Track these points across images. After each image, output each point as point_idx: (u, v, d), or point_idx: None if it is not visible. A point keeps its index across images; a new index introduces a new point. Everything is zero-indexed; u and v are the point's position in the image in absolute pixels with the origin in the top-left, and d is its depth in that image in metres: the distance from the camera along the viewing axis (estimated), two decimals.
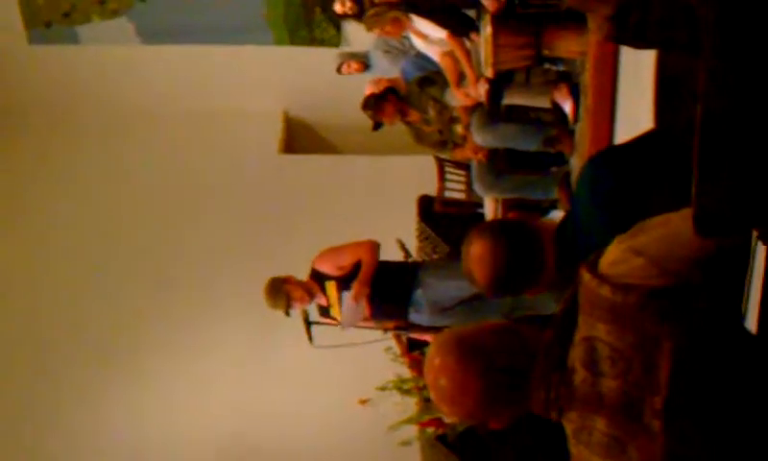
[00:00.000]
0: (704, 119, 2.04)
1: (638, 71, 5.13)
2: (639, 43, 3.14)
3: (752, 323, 2.14)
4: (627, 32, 2.91)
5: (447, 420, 7.93)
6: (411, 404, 9.19)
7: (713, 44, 2.02)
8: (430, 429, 8.75)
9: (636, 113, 4.50)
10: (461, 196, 9.71)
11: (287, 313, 7.34)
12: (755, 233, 2.09)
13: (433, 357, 2.58)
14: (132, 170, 11.61)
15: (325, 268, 7.35)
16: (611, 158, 3.37)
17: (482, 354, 2.51)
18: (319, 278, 7.37)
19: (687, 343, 2.25)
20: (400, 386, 9.44)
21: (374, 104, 8.62)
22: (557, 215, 7.47)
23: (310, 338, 7.59)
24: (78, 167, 11.61)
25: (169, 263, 11.04)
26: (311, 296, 7.34)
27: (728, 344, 2.25)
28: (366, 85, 9.18)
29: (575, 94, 7.19)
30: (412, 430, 9.18)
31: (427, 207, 9.66)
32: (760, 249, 2.08)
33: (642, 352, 2.29)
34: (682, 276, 2.27)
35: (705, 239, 2.19)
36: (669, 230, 2.33)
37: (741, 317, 2.16)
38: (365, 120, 8.77)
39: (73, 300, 10.92)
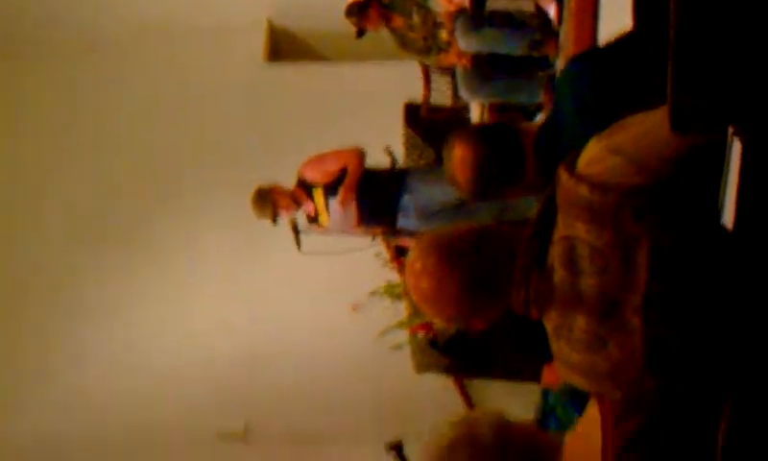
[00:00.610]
0: (679, 15, 2.04)
1: None
2: None
3: (728, 219, 2.15)
4: None
5: (437, 324, 8.00)
6: (401, 309, 9.24)
7: None
8: (421, 334, 8.82)
9: (619, 15, 4.48)
10: (447, 102, 9.66)
11: (274, 221, 7.36)
12: (730, 130, 2.09)
13: (413, 260, 2.59)
14: (117, 87, 11.52)
15: (312, 175, 7.35)
16: (590, 60, 3.38)
17: (461, 255, 2.52)
18: (305, 186, 7.37)
19: (665, 240, 2.27)
20: (391, 291, 9.50)
21: (358, 10, 8.55)
22: (543, 119, 7.49)
23: (299, 245, 7.61)
24: (65, 84, 11.52)
25: (156, 176, 11.00)
26: (298, 204, 7.35)
27: (705, 241, 2.26)
28: None
29: None
30: (403, 335, 9.25)
31: (413, 114, 9.63)
32: (736, 145, 2.08)
33: (621, 251, 2.30)
34: (659, 174, 2.28)
35: (681, 136, 2.19)
36: (646, 127, 2.33)
37: (718, 214, 2.17)
38: (349, 27, 8.71)
39: (60, 217, 10.90)
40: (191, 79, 11.46)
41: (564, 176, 2.38)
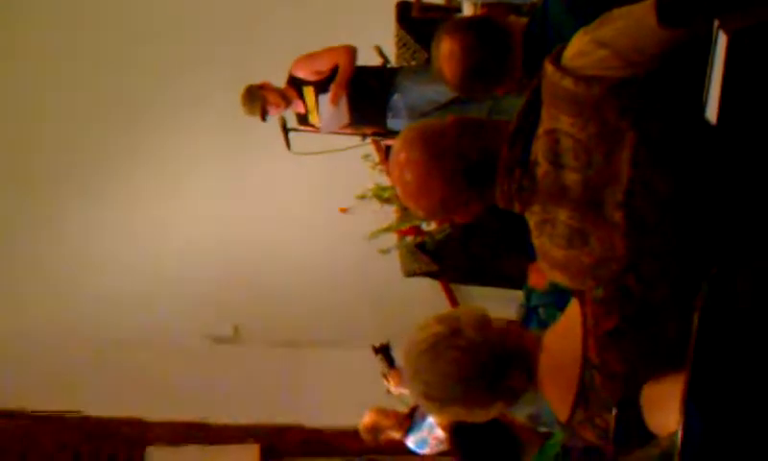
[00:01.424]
0: None
1: None
2: None
3: (712, 113, 2.14)
4: None
5: (424, 223, 8.00)
6: (390, 212, 9.24)
7: None
8: (409, 237, 8.82)
9: None
10: (440, 0, 9.60)
11: (263, 118, 7.31)
12: (715, 22, 2.08)
13: (398, 152, 2.60)
14: None
15: (302, 73, 7.30)
16: None
17: (446, 147, 2.52)
18: (296, 83, 7.33)
19: (649, 134, 2.26)
20: (380, 194, 9.47)
21: None
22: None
23: (288, 145, 7.58)
24: None
25: (149, 77, 10.93)
26: (287, 101, 7.30)
27: (687, 135, 2.26)
28: None
29: None
30: (391, 238, 9.25)
31: (406, 12, 9.56)
32: (721, 38, 2.07)
33: (604, 144, 2.30)
34: (645, 67, 2.27)
35: (667, 28, 2.18)
36: (633, 20, 2.31)
37: (702, 108, 2.16)
38: None
39: (58, 117, 10.85)
40: None
41: (549, 68, 2.37)
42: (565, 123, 2.34)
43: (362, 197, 9.45)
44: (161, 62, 10.84)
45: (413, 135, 2.58)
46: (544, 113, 2.40)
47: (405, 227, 8.72)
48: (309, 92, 7.24)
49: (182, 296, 10.34)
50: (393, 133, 7.53)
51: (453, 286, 9.60)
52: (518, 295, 6.93)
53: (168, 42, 10.91)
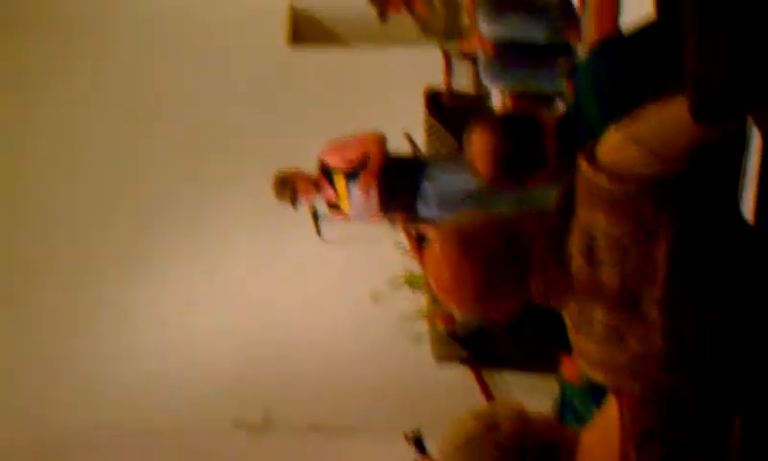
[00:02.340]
0: (700, 5, 2.02)
1: None
2: None
3: (748, 209, 2.13)
4: None
5: (457, 315, 7.98)
6: (421, 299, 9.23)
7: None
8: (440, 324, 8.81)
9: (641, 2, 4.46)
10: (469, 88, 9.65)
11: (294, 206, 7.35)
12: (750, 119, 2.08)
13: (433, 249, 2.59)
14: (137, 72, 11.53)
15: (333, 161, 7.34)
16: (612, 49, 3.36)
17: (482, 244, 2.51)
18: (327, 171, 7.37)
19: (684, 231, 2.25)
20: (411, 281, 9.48)
21: None
22: (564, 106, 7.46)
23: (319, 232, 7.61)
24: (80, 73, 11.53)
25: (181, 163, 11.01)
26: (317, 188, 7.34)
27: (724, 231, 2.24)
28: None
29: None
30: (423, 325, 9.23)
31: (435, 100, 9.62)
32: (755, 134, 2.07)
33: (640, 242, 2.28)
34: (679, 163, 2.26)
35: (701, 125, 2.17)
36: (666, 116, 2.30)
37: (737, 204, 2.15)
38: (371, 10, 8.69)
39: (84, 209, 10.91)
40: (213, 64, 11.46)
41: (583, 165, 2.36)
42: (600, 219, 2.33)
43: (392, 284, 9.46)
44: (192, 147, 10.93)
45: (448, 232, 2.58)
46: (579, 209, 2.40)
47: (436, 313, 8.71)
48: (340, 179, 7.27)
49: (211, 381, 10.32)
50: (423, 221, 7.55)
51: (485, 373, 9.55)
52: (550, 381, 6.90)
53: (200, 127, 11.02)
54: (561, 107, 7.79)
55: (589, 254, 2.37)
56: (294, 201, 7.29)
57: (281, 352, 10.32)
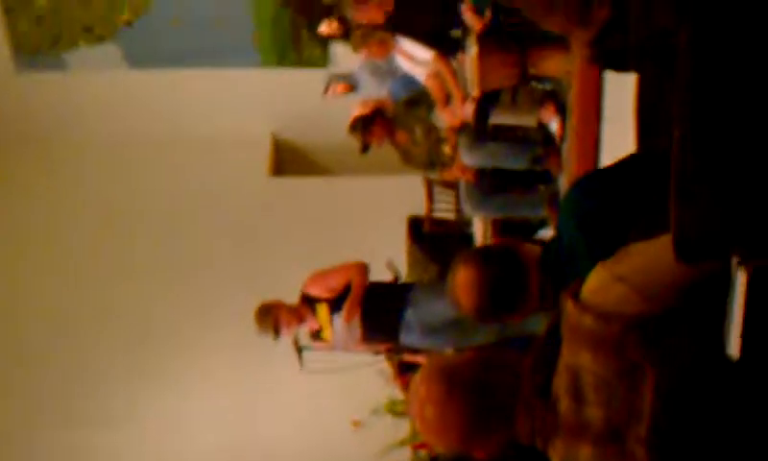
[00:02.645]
0: (679, 144, 2.05)
1: (623, 92, 5.13)
2: (619, 68, 3.15)
3: (733, 349, 2.13)
4: (607, 56, 2.93)
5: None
6: (404, 426, 9.19)
7: (687, 71, 2.02)
8: (423, 452, 8.75)
9: (622, 133, 4.51)
10: (450, 216, 9.70)
11: (276, 337, 7.33)
12: (735, 258, 2.09)
13: (418, 387, 2.58)
14: (120, 197, 11.59)
15: (316, 291, 7.35)
16: (593, 183, 3.38)
17: (467, 383, 2.51)
18: (309, 301, 7.36)
19: (670, 370, 2.25)
20: (393, 408, 9.45)
21: (362, 125, 8.62)
22: (546, 234, 7.51)
23: (301, 362, 7.58)
24: (65, 195, 11.59)
25: (158, 290, 11.01)
26: (300, 319, 7.33)
27: (710, 370, 2.24)
28: (353, 107, 9.18)
29: (562, 112, 7.19)
30: (405, 453, 9.18)
31: (417, 228, 9.66)
32: (740, 273, 2.08)
33: (626, 380, 2.28)
34: (664, 303, 2.27)
35: (686, 265, 2.19)
36: (651, 256, 2.32)
37: (723, 344, 2.15)
38: (353, 141, 8.77)
39: (59, 334, 10.88)
40: (196, 192, 11.54)
41: (568, 305, 2.37)
42: (586, 358, 2.33)
43: (375, 412, 9.43)
44: (174, 275, 10.94)
45: (433, 370, 2.58)
46: (564, 348, 2.40)
47: (419, 441, 8.66)
48: (322, 309, 7.27)
49: None
50: (406, 349, 7.54)
51: None
52: None
53: (182, 254, 11.03)
54: (544, 234, 7.84)
55: (575, 392, 2.36)
56: (276, 331, 7.27)
57: None
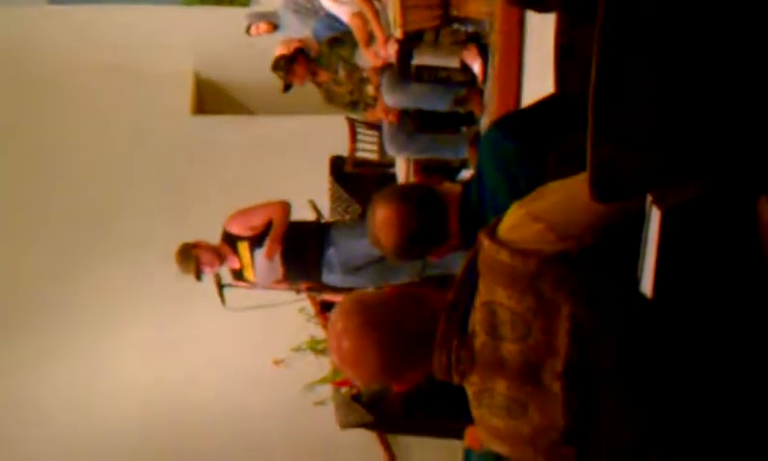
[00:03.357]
0: (595, 83, 2.06)
1: (543, 33, 5.16)
2: (539, 8, 3.16)
3: (647, 287, 2.16)
4: None
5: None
6: (325, 364, 9.23)
7: (603, 10, 2.04)
8: (344, 389, 8.79)
9: (543, 75, 4.54)
10: (373, 156, 9.72)
11: (198, 278, 7.32)
12: (649, 197, 2.11)
13: (336, 322, 2.59)
14: (40, 133, 11.45)
15: (237, 229, 7.33)
16: (513, 124, 3.40)
17: (384, 319, 2.52)
18: (231, 239, 7.35)
19: (585, 307, 2.28)
20: (314, 346, 9.48)
21: (285, 65, 8.59)
22: (468, 175, 7.54)
23: (223, 300, 7.58)
24: None
25: (77, 229, 10.92)
26: (221, 259, 7.32)
27: (624, 308, 2.28)
28: (276, 46, 9.13)
29: (484, 54, 7.21)
30: (327, 390, 9.22)
31: (339, 168, 9.66)
32: (654, 212, 2.10)
33: (542, 316, 2.31)
34: (580, 241, 2.29)
35: (601, 203, 2.21)
36: (567, 194, 2.34)
37: (637, 281, 2.18)
38: (276, 80, 8.73)
39: None
40: (117, 130, 11.43)
41: (485, 242, 2.39)
42: (502, 295, 2.35)
43: (297, 349, 9.45)
44: (94, 214, 10.85)
45: (350, 306, 2.59)
46: (481, 285, 2.42)
47: (340, 378, 8.69)
48: (244, 248, 7.25)
49: (113, 448, 10.20)
50: (328, 288, 7.55)
51: (389, 437, 9.55)
52: (455, 446, 6.92)
53: (101, 194, 10.93)
54: (465, 174, 7.88)
55: (492, 329, 2.39)
56: (198, 272, 7.25)
57: (184, 419, 10.25)
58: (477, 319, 2.42)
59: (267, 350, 9.83)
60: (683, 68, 2.01)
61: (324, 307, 8.41)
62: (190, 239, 7.38)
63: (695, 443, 2.16)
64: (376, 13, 7.90)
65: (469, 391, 2.51)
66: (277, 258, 7.25)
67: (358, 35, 8.15)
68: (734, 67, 2.00)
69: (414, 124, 8.23)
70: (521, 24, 6.12)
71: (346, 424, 8.94)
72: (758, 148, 2.04)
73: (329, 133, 9.91)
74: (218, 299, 7.62)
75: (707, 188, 2.06)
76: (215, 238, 7.40)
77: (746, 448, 2.16)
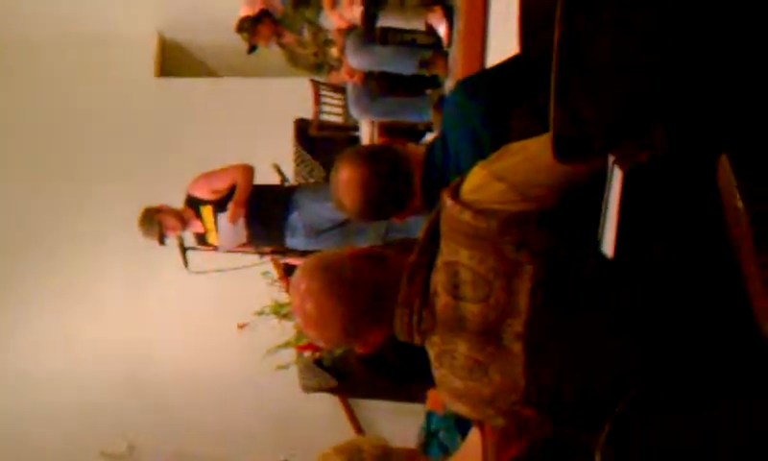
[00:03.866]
0: (559, 43, 2.06)
1: None
2: None
3: (608, 248, 2.16)
4: None
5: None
6: (289, 329, 9.22)
7: None
8: (307, 353, 8.80)
9: (506, 37, 4.53)
10: (337, 119, 9.69)
11: (161, 242, 7.28)
12: (611, 157, 2.11)
13: (299, 282, 2.59)
14: (3, 99, 11.37)
15: (200, 193, 7.29)
16: (477, 84, 3.39)
17: (346, 279, 2.52)
18: (194, 203, 7.32)
19: (547, 267, 2.28)
20: (278, 310, 9.47)
21: (249, 26, 8.55)
22: (432, 137, 7.53)
23: (186, 264, 7.55)
24: None
25: (41, 192, 10.87)
26: (184, 223, 7.29)
27: (584, 268, 2.28)
28: (240, 7, 9.08)
29: (450, 17, 7.20)
30: (290, 354, 9.22)
31: (303, 131, 9.64)
32: (616, 173, 2.10)
33: (503, 277, 2.31)
34: (542, 201, 2.29)
35: (563, 164, 2.21)
36: (530, 154, 2.34)
37: (597, 242, 2.19)
38: (240, 42, 8.70)
39: None
40: (81, 92, 11.35)
41: (448, 202, 2.38)
42: (464, 255, 2.35)
43: (260, 313, 9.44)
44: (57, 175, 10.80)
45: (313, 266, 2.58)
46: (443, 246, 2.41)
47: (303, 343, 8.70)
48: (207, 212, 7.22)
49: (78, 412, 10.21)
50: (291, 252, 7.54)
51: (352, 401, 9.58)
52: (418, 409, 6.94)
53: (65, 155, 10.88)
54: (430, 138, 7.87)
55: (453, 289, 2.38)
56: (161, 237, 7.22)
57: (147, 383, 10.26)
58: (439, 279, 2.42)
59: (230, 314, 9.82)
60: (644, 27, 2.01)
61: (288, 271, 8.40)
62: (154, 203, 7.34)
63: (657, 401, 2.17)
64: None
65: (431, 352, 2.51)
66: (241, 222, 7.22)
67: None
68: (696, 23, 2.00)
69: (378, 87, 8.22)
70: None
71: (309, 389, 8.97)
72: (718, 106, 2.05)
73: (293, 96, 9.87)
74: (180, 263, 7.58)
75: (667, 147, 2.07)
76: (179, 202, 7.36)
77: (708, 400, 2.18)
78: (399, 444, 3.07)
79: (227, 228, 7.20)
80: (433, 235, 2.46)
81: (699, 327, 2.18)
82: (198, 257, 7.61)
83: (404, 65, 7.77)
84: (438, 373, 2.52)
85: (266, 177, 7.84)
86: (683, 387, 2.18)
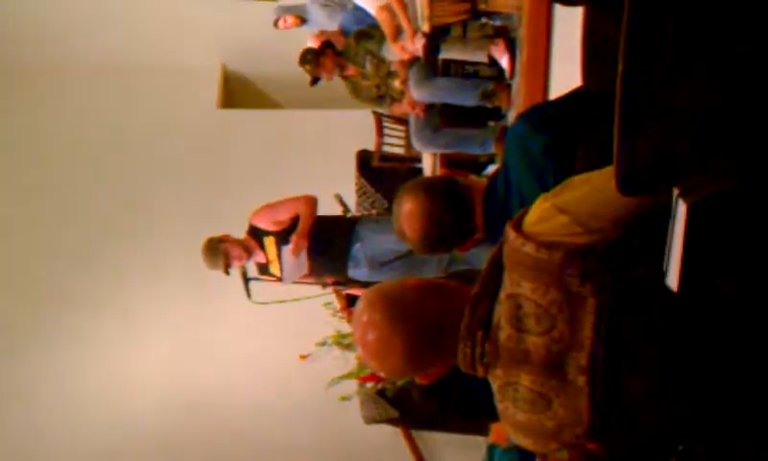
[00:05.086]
0: (624, 77, 2.05)
1: (572, 27, 5.14)
2: (567, 1, 3.15)
3: (673, 281, 2.15)
4: None
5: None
6: (351, 359, 9.23)
7: (630, 4, 2.03)
8: (370, 384, 8.79)
9: (570, 69, 4.52)
10: (399, 151, 9.71)
11: (226, 272, 7.31)
12: (675, 191, 2.10)
13: (360, 314, 2.58)
14: (70, 128, 11.49)
15: (263, 224, 7.33)
16: (540, 116, 3.38)
17: (408, 311, 2.51)
18: (257, 234, 7.35)
19: (610, 300, 2.27)
20: (340, 341, 9.48)
21: (312, 58, 8.60)
22: (494, 169, 7.52)
23: (249, 294, 7.57)
24: (14, 125, 11.47)
25: (107, 224, 10.95)
26: (249, 253, 7.32)
27: (650, 302, 2.27)
28: (305, 39, 9.15)
29: (512, 49, 7.20)
30: (352, 385, 9.22)
31: (366, 162, 9.67)
32: (681, 206, 2.09)
33: (567, 310, 2.30)
34: (606, 234, 2.29)
35: (627, 197, 2.20)
36: (593, 187, 2.33)
37: (663, 275, 2.17)
38: (303, 74, 8.74)
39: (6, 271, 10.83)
40: (145, 123, 11.46)
41: (511, 234, 2.38)
42: (527, 288, 2.34)
43: (322, 344, 9.45)
44: (123, 207, 10.88)
45: (375, 297, 2.58)
46: (506, 278, 2.41)
47: (366, 373, 8.70)
48: (270, 242, 7.25)
49: (141, 444, 10.23)
50: (353, 282, 7.55)
51: (414, 433, 9.55)
52: (479, 441, 6.91)
53: (128, 191, 10.96)
54: (492, 170, 7.86)
55: (517, 322, 2.38)
56: (227, 266, 7.24)
57: (211, 414, 10.27)
58: (502, 312, 2.42)
59: (293, 344, 9.84)
60: (710, 61, 2.00)
61: (351, 302, 8.41)
62: (216, 234, 7.38)
63: (720, 435, 2.15)
64: (404, 7, 7.90)
65: (494, 384, 2.50)
66: (304, 254, 7.24)
67: (386, 28, 8.15)
68: (763, 62, 1.99)
69: (441, 118, 8.22)
70: (549, 18, 6.11)
71: (370, 420, 8.95)
72: None
73: (356, 128, 9.91)
74: (243, 292, 7.60)
75: (734, 182, 2.05)
76: (240, 233, 7.40)
77: None
78: None
79: (290, 260, 7.22)
80: (496, 267, 2.46)
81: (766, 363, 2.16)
82: (259, 287, 7.63)
83: (466, 97, 7.77)
84: (501, 405, 2.51)
85: (328, 208, 7.86)
86: (754, 426, 2.16)
